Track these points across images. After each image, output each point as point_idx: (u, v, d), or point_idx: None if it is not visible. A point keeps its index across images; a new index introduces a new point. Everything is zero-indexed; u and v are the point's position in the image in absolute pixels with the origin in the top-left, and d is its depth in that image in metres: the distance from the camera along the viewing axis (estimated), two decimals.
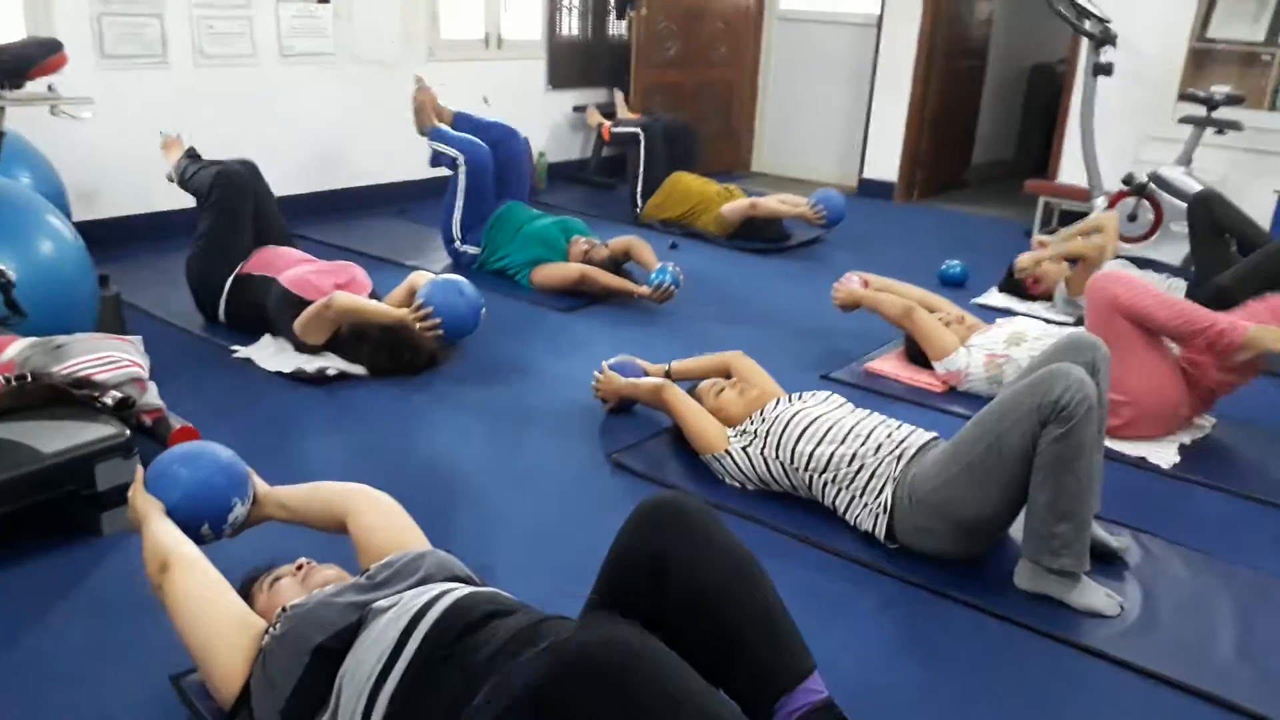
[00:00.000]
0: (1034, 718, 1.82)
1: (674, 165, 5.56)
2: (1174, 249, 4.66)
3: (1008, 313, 4.03)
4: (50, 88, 2.63)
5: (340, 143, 5.34)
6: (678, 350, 3.24)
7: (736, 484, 2.55)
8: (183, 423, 2.53)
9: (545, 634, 1.37)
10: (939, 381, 3.28)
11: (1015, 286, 4.32)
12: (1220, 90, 4.83)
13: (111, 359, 2.46)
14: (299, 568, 1.73)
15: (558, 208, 5.35)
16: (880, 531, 2.28)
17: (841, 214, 5.15)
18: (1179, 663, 1.94)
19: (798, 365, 3.45)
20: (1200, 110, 4.87)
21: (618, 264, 4.27)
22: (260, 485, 1.89)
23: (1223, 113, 4.82)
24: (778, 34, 7.24)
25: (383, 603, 1.48)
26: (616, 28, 6.64)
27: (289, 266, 3.36)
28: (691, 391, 2.77)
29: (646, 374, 2.99)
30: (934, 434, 2.38)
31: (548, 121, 6.45)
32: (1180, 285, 3.89)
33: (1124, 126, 5.42)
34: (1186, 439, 2.97)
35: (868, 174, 6.75)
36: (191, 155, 3.76)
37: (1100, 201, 5.12)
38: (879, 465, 2.30)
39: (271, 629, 1.50)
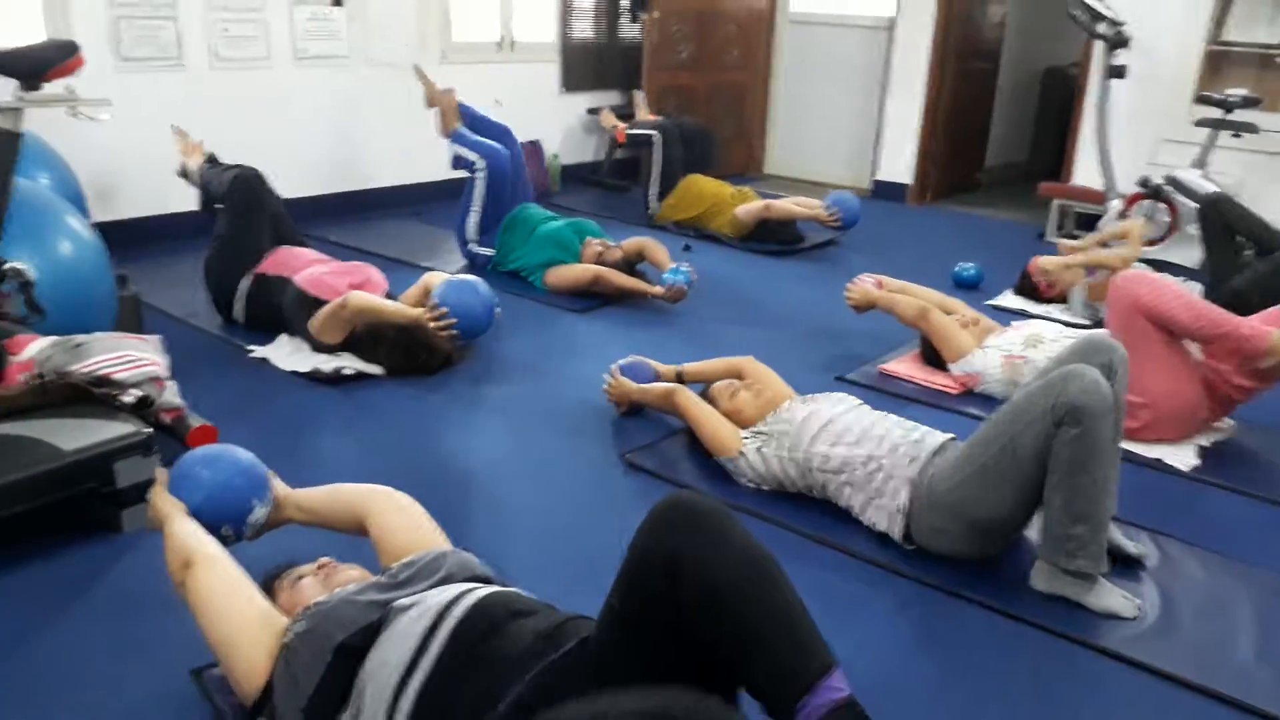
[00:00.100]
0: (1049, 718, 1.81)
1: (689, 168, 5.57)
2: (1190, 252, 4.63)
3: (1023, 315, 4.03)
4: (68, 89, 2.65)
5: (354, 145, 5.36)
6: (691, 352, 3.25)
7: (751, 485, 2.55)
8: (201, 421, 2.54)
9: (569, 635, 1.38)
10: (954, 383, 3.28)
11: (1030, 289, 4.31)
12: (1236, 93, 4.81)
13: (131, 358, 2.48)
14: (320, 567, 1.74)
15: (571, 210, 5.35)
16: (896, 532, 2.28)
17: (856, 217, 5.14)
18: (1197, 665, 1.93)
19: (812, 367, 3.45)
20: (1216, 113, 4.85)
21: (631, 265, 4.28)
22: (280, 488, 1.90)
23: (1239, 115, 4.80)
24: (790, 37, 7.24)
25: (404, 601, 1.49)
26: (629, 30, 6.65)
27: (305, 267, 3.38)
28: (703, 394, 2.77)
29: (658, 374, 2.99)
30: (950, 435, 2.37)
31: (561, 124, 6.46)
32: (1196, 288, 3.87)
33: (1139, 129, 5.40)
34: (1205, 441, 2.95)
35: (880, 176, 6.74)
36: (211, 161, 3.79)
37: (1115, 204, 5.10)
38: (894, 466, 2.30)
39: (294, 627, 1.51)
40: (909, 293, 3.51)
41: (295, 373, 3.16)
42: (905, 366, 3.45)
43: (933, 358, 3.38)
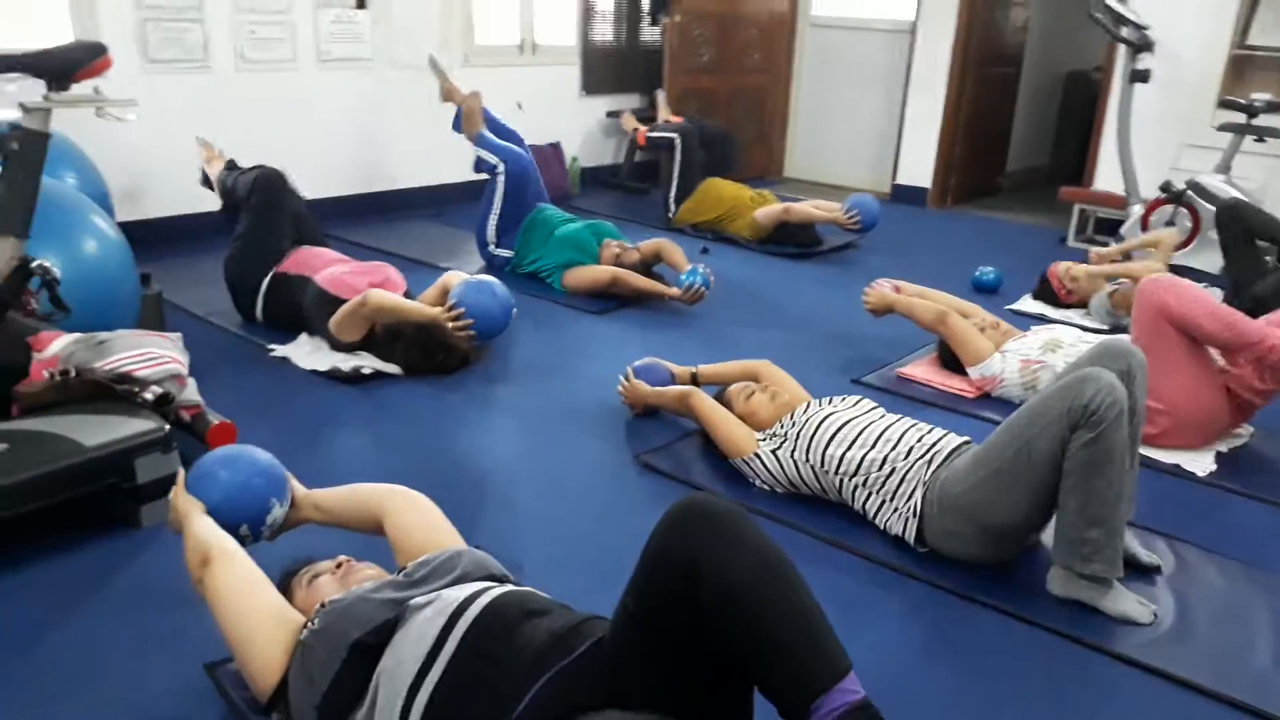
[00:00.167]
0: None
1: (709, 171, 5.58)
2: (1212, 257, 4.60)
3: (1042, 319, 4.01)
4: (96, 90, 2.68)
5: (377, 147, 5.40)
6: (708, 354, 3.25)
7: (765, 487, 2.55)
8: (220, 419, 2.57)
9: (584, 636, 1.38)
10: (971, 387, 3.26)
11: (1049, 294, 4.29)
12: (1261, 97, 4.77)
13: (152, 355, 2.51)
14: (338, 565, 1.75)
15: (590, 212, 5.37)
16: (910, 535, 2.27)
17: (876, 220, 5.13)
18: (1214, 672, 1.91)
19: (829, 369, 3.44)
20: (1240, 117, 4.81)
21: (648, 266, 4.29)
22: (298, 488, 1.91)
23: (1263, 120, 4.76)
24: (810, 40, 7.23)
25: (420, 599, 1.50)
26: (650, 34, 6.66)
27: (325, 266, 3.41)
28: (719, 397, 2.77)
29: (673, 376, 3.00)
30: (965, 438, 2.36)
31: (581, 127, 6.48)
32: (1217, 294, 3.84)
33: (1162, 133, 5.37)
34: (1223, 447, 2.93)
35: (901, 180, 6.72)
36: (231, 166, 3.83)
37: (1137, 209, 5.07)
38: (909, 469, 2.29)
39: (310, 624, 1.52)
40: (927, 297, 3.50)
41: (314, 371, 3.19)
42: (922, 370, 3.44)
43: (950, 362, 3.37)
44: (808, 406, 2.59)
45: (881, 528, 2.35)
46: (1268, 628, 2.07)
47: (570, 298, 4.16)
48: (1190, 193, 4.78)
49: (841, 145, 7.21)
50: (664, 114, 6.23)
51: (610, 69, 6.52)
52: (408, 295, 3.42)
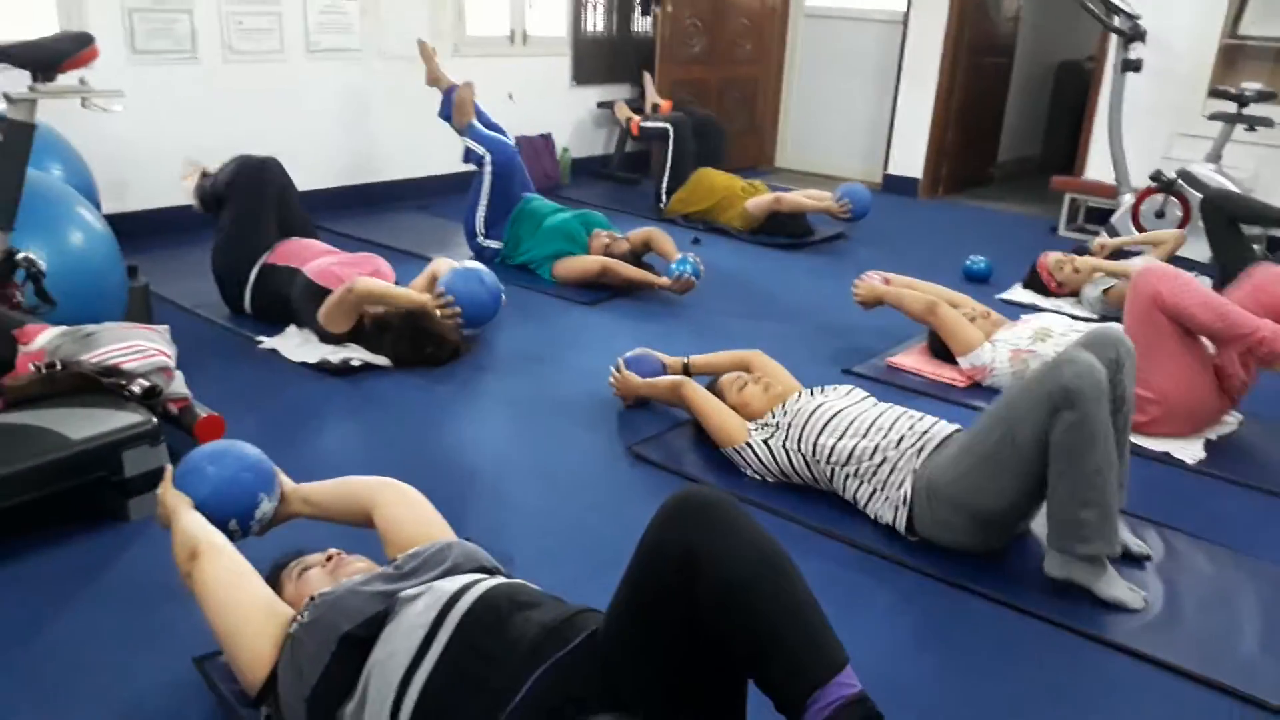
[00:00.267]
0: (1053, 710, 1.81)
1: (700, 161, 5.57)
2: (1202, 246, 4.60)
3: (1033, 309, 4.01)
4: (82, 81, 2.66)
5: (366, 138, 5.38)
6: (699, 344, 3.25)
7: (757, 477, 2.55)
8: (208, 411, 2.55)
9: (577, 628, 1.38)
10: (962, 376, 3.27)
11: (1039, 283, 4.29)
12: (1252, 87, 4.78)
13: (139, 348, 2.49)
14: (329, 558, 1.74)
15: (581, 203, 5.36)
16: (900, 524, 2.27)
17: (867, 208, 5.13)
18: (1202, 657, 1.92)
19: (820, 360, 3.44)
20: (1231, 107, 4.81)
21: (638, 256, 4.28)
22: (286, 483, 1.90)
23: (1254, 110, 4.76)
24: (803, 30, 7.22)
25: (411, 591, 1.49)
26: (642, 24, 6.64)
27: (313, 258, 3.40)
28: (710, 387, 2.77)
29: (664, 367, 3.00)
30: (956, 426, 2.36)
31: (572, 117, 6.46)
32: (1206, 282, 3.85)
33: (1153, 123, 5.37)
34: (1213, 435, 2.94)
35: (892, 170, 6.72)
36: (204, 175, 3.77)
37: (1127, 198, 5.08)
38: (900, 458, 2.30)
39: (300, 617, 1.51)
40: (916, 289, 3.50)
41: (303, 364, 3.18)
42: (913, 360, 3.44)
43: (940, 351, 3.37)
44: (799, 396, 2.59)
45: (872, 517, 2.35)
46: (1255, 613, 2.08)
47: (560, 288, 4.15)
48: (1181, 182, 4.79)
49: (833, 135, 7.20)
50: (652, 97, 6.22)
51: (601, 59, 6.49)
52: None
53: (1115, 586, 2.08)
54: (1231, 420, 3.02)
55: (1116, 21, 5.12)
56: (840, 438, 2.38)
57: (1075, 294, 4.18)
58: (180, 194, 3.83)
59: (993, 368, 3.18)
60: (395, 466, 1.96)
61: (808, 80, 7.28)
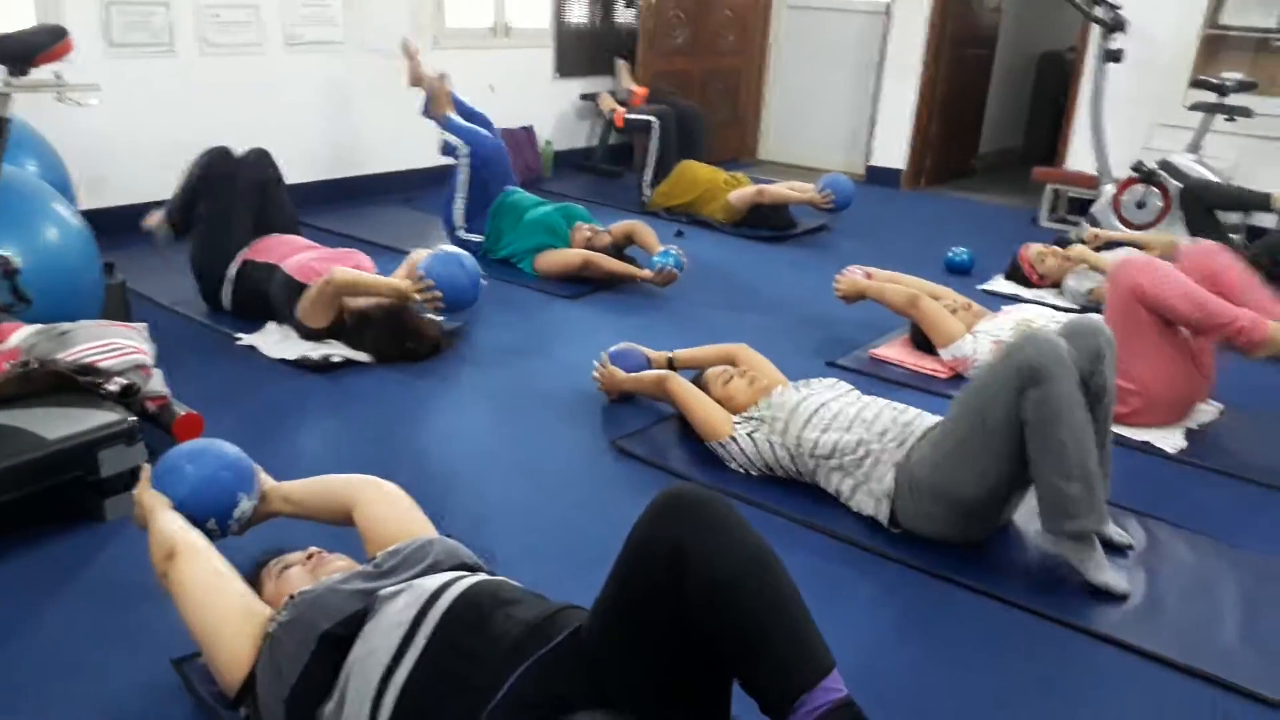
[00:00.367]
0: (1037, 700, 1.82)
1: (682, 153, 5.56)
2: (1182, 236, 4.63)
3: (1014, 300, 4.02)
4: (56, 75, 2.63)
5: (346, 131, 5.34)
6: (683, 338, 3.24)
7: (741, 470, 2.55)
8: (187, 410, 2.53)
9: (560, 626, 1.37)
10: (944, 368, 3.27)
11: (1021, 274, 4.30)
12: (1232, 77, 4.80)
13: (116, 346, 2.47)
14: (309, 556, 1.73)
15: (563, 196, 5.33)
16: (883, 516, 2.28)
17: (850, 198, 5.13)
18: (1183, 646, 1.93)
19: (803, 352, 3.44)
20: (1211, 97, 4.84)
21: (620, 249, 4.27)
22: (267, 481, 1.89)
23: (1234, 99, 4.79)
24: (786, 21, 7.21)
25: (391, 589, 1.48)
26: (624, 15, 6.61)
27: (293, 254, 3.37)
28: (695, 381, 2.76)
29: (649, 361, 2.99)
30: (939, 418, 2.36)
31: (554, 110, 6.43)
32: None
33: (1134, 113, 5.39)
34: (1193, 424, 2.95)
35: (875, 161, 6.73)
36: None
37: (1109, 188, 5.09)
38: (883, 451, 2.30)
39: (278, 616, 1.50)
40: (898, 282, 3.51)
41: (283, 360, 3.15)
42: (896, 351, 3.45)
43: (922, 343, 3.38)
44: (784, 390, 2.59)
45: (854, 509, 2.35)
46: (1235, 602, 2.09)
47: (542, 282, 4.13)
48: (1161, 172, 4.80)
49: (816, 127, 7.20)
50: (625, 81, 6.19)
51: (584, 51, 6.46)
52: None
53: (1104, 571, 2.08)
54: (1212, 409, 3.04)
55: (1098, 12, 5.13)
56: (824, 431, 2.38)
57: (1056, 285, 4.19)
58: (158, 189, 3.79)
59: (974, 359, 3.18)
60: (376, 463, 1.95)
61: (791, 72, 7.27)
